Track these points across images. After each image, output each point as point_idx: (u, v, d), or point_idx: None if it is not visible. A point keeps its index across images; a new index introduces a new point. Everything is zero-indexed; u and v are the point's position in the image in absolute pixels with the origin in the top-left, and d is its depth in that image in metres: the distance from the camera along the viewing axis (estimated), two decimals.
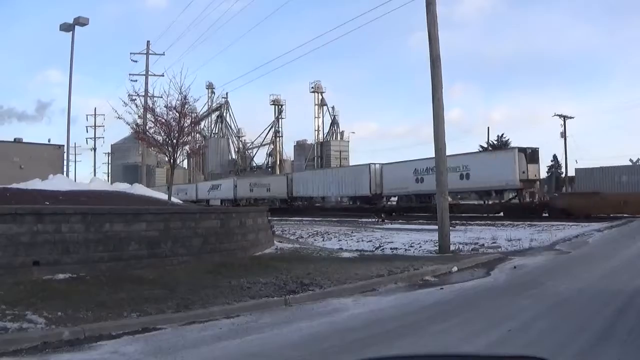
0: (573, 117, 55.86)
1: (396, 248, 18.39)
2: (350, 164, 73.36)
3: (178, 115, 19.88)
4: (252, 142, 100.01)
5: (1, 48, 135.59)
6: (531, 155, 37.93)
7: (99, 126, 71.20)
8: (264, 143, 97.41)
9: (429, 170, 39.14)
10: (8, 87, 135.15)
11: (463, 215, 33.15)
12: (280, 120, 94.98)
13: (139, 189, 22.85)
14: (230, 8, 70.59)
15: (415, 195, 44.92)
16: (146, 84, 37.25)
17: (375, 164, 48.90)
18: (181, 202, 27.87)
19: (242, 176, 79.35)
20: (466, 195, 47.29)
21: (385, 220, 35.01)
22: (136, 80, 36.38)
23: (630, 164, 45.96)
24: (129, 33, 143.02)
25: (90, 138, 72.30)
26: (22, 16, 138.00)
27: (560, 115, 54.76)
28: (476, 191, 41.75)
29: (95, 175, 69.47)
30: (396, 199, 49.02)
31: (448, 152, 17.47)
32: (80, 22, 31.15)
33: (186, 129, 20.71)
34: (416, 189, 43.52)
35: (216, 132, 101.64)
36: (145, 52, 39.76)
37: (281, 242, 19.00)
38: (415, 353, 5.88)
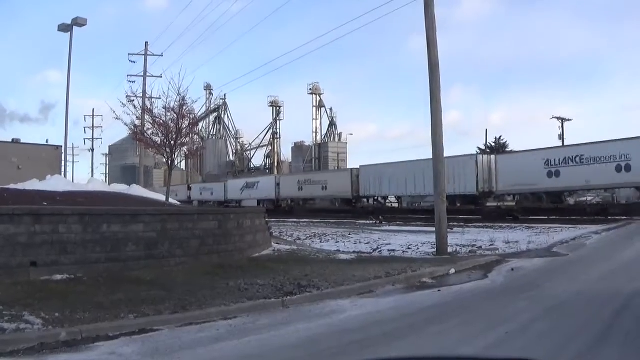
0: (571, 120, 56.05)
1: (394, 250, 18.39)
2: (346, 166, 72.96)
3: (176, 116, 19.89)
4: (250, 144, 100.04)
5: (3, 49, 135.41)
6: None
7: (97, 127, 70.94)
8: (262, 144, 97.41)
9: (567, 161, 32.00)
10: (12, 89, 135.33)
11: (460, 217, 32.79)
12: (278, 121, 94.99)
13: (137, 190, 22.81)
14: (228, 10, 71.08)
15: (546, 193, 34.96)
16: (144, 85, 37.28)
17: (481, 154, 40.62)
18: (179, 203, 27.83)
19: (287, 173, 74.12)
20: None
21: (383, 222, 34.97)
22: (134, 82, 36.50)
23: None
24: (128, 34, 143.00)
25: (88, 139, 72.04)
26: (24, 16, 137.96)
27: (558, 118, 54.92)
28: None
29: (93, 176, 69.18)
30: (513, 197, 37.99)
31: (446, 154, 17.46)
32: (79, 22, 31.16)
33: (184, 130, 20.72)
34: (549, 186, 33.44)
35: (214, 133, 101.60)
36: (144, 53, 39.79)
37: (279, 243, 18.99)
38: (413, 355, 5.88)
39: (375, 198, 46.29)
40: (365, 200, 47.44)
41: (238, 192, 61.99)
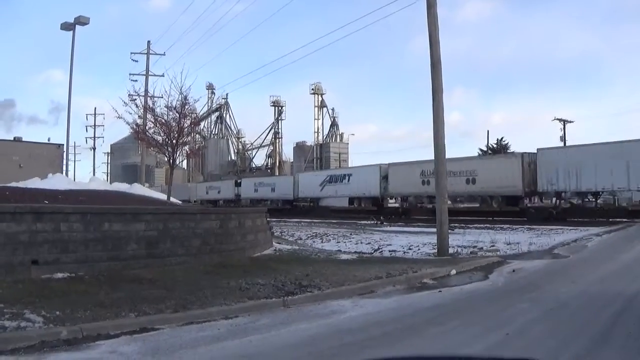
0: (573, 121, 55.90)
1: (395, 250, 18.40)
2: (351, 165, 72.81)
3: (178, 115, 19.91)
4: (252, 143, 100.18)
5: (8, 49, 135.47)
6: None
7: (99, 126, 71.11)
8: (263, 144, 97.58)
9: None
10: (18, 89, 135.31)
11: (461, 218, 32.80)
12: (280, 121, 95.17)
13: (138, 189, 22.83)
14: (231, 9, 70.92)
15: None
16: (146, 84, 37.30)
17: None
18: (180, 202, 27.84)
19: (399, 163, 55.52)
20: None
21: (384, 223, 34.96)
22: (136, 80, 36.46)
23: None
24: (131, 33, 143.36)
25: (90, 137, 72.21)
26: (28, 16, 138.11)
27: (559, 119, 54.92)
28: None
29: (94, 174, 69.21)
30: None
31: (450, 155, 17.48)
32: (81, 21, 31.14)
33: (186, 129, 20.75)
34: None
35: (216, 132, 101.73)
36: (146, 52, 39.81)
37: (280, 243, 19.00)
38: (414, 355, 5.88)
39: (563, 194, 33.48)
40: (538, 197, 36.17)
41: (316, 188, 50.65)
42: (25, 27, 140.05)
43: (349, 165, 73.77)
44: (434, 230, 17.46)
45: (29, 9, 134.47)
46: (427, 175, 37.38)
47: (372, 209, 44.36)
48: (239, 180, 66.73)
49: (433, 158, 17.08)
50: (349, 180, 47.42)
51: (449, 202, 41.62)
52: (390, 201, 46.48)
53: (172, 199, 22.17)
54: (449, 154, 17.76)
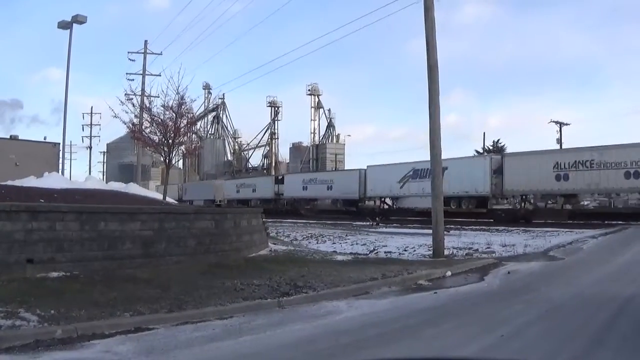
0: (569, 124, 55.96)
1: (390, 252, 18.41)
2: (345, 168, 72.39)
3: (174, 115, 19.87)
4: (248, 144, 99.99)
5: (11, 48, 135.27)
6: None
7: (95, 125, 70.97)
8: (259, 145, 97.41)
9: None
10: (20, 88, 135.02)
11: (457, 219, 32.85)
12: (276, 122, 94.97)
13: (134, 189, 22.80)
14: (228, 9, 70.83)
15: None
16: (143, 83, 37.22)
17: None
18: (175, 202, 27.80)
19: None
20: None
21: (380, 224, 34.96)
22: (133, 80, 36.45)
23: None
24: (129, 33, 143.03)
25: (86, 136, 72.05)
26: (27, 15, 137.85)
27: (556, 122, 55.00)
28: None
29: (90, 173, 68.98)
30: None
31: (448, 156, 17.51)
32: (78, 20, 31.08)
33: (182, 129, 20.71)
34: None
35: (212, 132, 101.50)
36: (143, 51, 39.76)
37: (275, 244, 18.98)
38: (409, 356, 5.89)
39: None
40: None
41: (393, 185, 42.55)
42: (26, 26, 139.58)
43: (346, 167, 73.67)
44: (430, 231, 17.47)
45: (30, 7, 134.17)
46: (564, 168, 32.23)
47: (478, 211, 36.78)
48: (280, 176, 59.24)
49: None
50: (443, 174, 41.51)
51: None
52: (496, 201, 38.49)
53: (168, 199, 22.13)
54: (445, 155, 17.80)
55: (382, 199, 45.72)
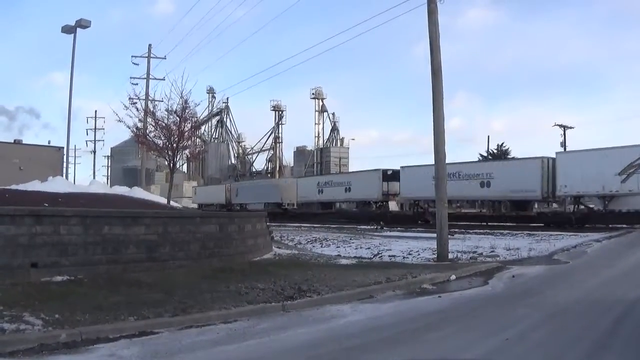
0: (573, 127, 55.75)
1: (394, 256, 18.38)
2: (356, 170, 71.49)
3: (178, 119, 19.92)
4: (252, 148, 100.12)
5: (11, 51, 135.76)
6: None
7: (100, 129, 71.13)
8: (263, 149, 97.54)
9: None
10: (29, 94, 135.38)
11: (461, 223, 32.77)
12: (280, 126, 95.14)
13: (138, 192, 22.85)
14: (232, 14, 70.91)
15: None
16: (147, 87, 37.36)
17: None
18: (180, 206, 27.83)
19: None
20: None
21: (384, 228, 34.93)
22: (137, 84, 36.61)
23: None
24: (133, 37, 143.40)
25: (90, 141, 72.23)
26: (32, 20, 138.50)
27: (560, 125, 54.90)
28: None
29: (94, 178, 69.18)
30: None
31: (452, 160, 17.50)
32: (82, 24, 31.17)
33: (186, 133, 20.75)
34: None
35: (216, 136, 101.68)
36: (147, 55, 39.86)
37: (279, 247, 18.98)
38: (413, 359, 5.87)
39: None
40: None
41: (610, 178, 30.32)
42: (31, 30, 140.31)
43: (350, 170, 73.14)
44: (434, 235, 17.45)
45: (34, 12, 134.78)
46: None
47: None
48: (388, 171, 44.29)
49: None
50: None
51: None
52: None
53: (172, 203, 22.16)
54: (449, 159, 17.78)
55: (580, 198, 33.61)
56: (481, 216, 38.95)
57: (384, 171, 44.23)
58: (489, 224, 34.81)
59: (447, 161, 17.54)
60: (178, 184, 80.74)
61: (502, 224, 33.40)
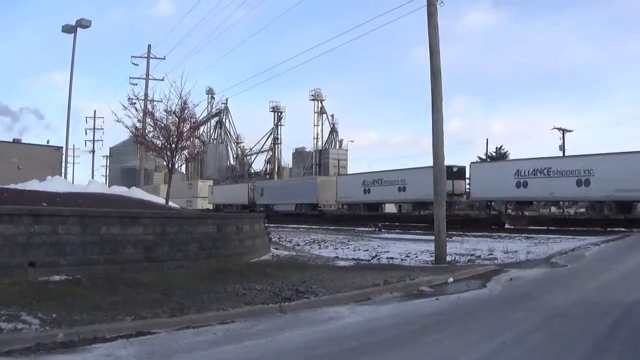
0: (572, 130, 55.74)
1: (392, 258, 18.37)
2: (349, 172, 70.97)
3: (177, 119, 19.89)
4: (251, 149, 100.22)
5: (11, 51, 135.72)
6: None
7: (98, 129, 70.96)
8: (262, 150, 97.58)
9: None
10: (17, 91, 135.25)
11: (458, 226, 32.70)
12: (279, 127, 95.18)
13: (137, 193, 22.84)
14: (232, 15, 70.87)
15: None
16: (146, 87, 37.25)
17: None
18: (178, 207, 27.80)
19: None
20: None
21: (382, 230, 34.94)
22: (136, 84, 36.53)
23: None
24: (132, 37, 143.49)
25: (89, 140, 72.06)
26: (32, 20, 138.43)
27: (559, 129, 54.90)
28: None
29: (93, 177, 68.98)
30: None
31: (451, 162, 17.51)
32: (82, 24, 31.20)
33: (185, 133, 20.70)
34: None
35: (215, 137, 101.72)
36: (146, 55, 39.84)
37: (277, 249, 18.98)
38: None
39: None
40: None
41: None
42: (34, 30, 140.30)
43: (348, 172, 72.76)
44: (432, 238, 17.45)
45: (35, 11, 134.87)
46: None
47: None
48: (454, 167, 37.97)
49: None
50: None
51: None
52: None
53: (171, 203, 22.14)
54: (448, 162, 17.81)
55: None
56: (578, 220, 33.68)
57: (449, 167, 35.03)
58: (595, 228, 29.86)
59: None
60: (192, 183, 79.21)
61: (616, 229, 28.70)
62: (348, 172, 74.30)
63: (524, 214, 37.10)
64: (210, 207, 65.53)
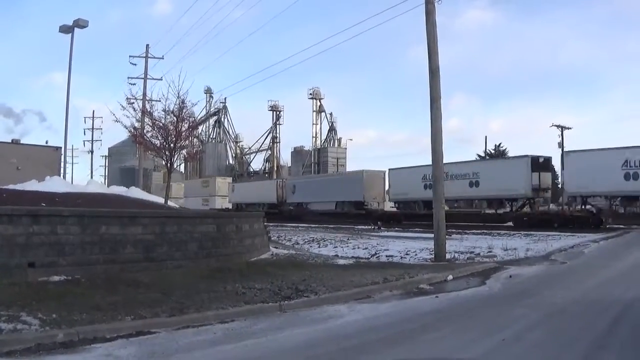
0: (571, 128, 55.43)
1: (392, 256, 18.37)
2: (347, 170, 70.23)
3: (176, 119, 19.88)
4: (250, 148, 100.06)
5: (10, 51, 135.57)
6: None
7: (97, 129, 70.85)
8: (261, 149, 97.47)
9: None
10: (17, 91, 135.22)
11: (458, 223, 32.64)
12: (278, 126, 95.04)
13: (136, 192, 22.84)
14: (230, 14, 70.77)
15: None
16: (144, 87, 37.19)
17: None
18: (177, 206, 27.82)
19: None
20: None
21: (382, 228, 34.95)
22: (135, 84, 36.43)
23: None
24: (130, 37, 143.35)
25: (88, 140, 71.98)
26: (31, 20, 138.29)
27: (558, 126, 54.79)
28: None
29: (92, 177, 68.93)
30: None
31: (449, 160, 17.54)
32: (80, 24, 31.16)
33: (184, 133, 20.70)
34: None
35: (214, 136, 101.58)
36: (145, 55, 39.80)
37: (277, 247, 18.98)
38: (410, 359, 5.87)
39: None
40: None
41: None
42: (34, 30, 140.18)
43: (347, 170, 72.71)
44: (431, 235, 17.46)
45: (33, 11, 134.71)
46: None
47: None
48: (540, 158, 35.07)
49: None
50: None
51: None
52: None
53: (170, 203, 22.14)
54: (447, 160, 17.82)
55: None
56: None
57: (534, 158, 33.92)
58: None
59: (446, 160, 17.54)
60: (208, 180, 76.29)
61: None
62: (347, 170, 74.09)
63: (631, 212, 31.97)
64: (230, 206, 60.51)
